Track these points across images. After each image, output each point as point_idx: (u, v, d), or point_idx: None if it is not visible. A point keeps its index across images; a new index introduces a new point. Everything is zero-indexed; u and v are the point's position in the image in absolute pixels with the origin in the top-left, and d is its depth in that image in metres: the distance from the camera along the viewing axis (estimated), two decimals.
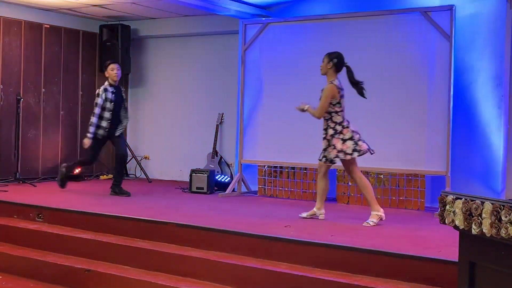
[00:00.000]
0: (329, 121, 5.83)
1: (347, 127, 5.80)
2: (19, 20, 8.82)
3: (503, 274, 2.62)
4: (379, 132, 7.09)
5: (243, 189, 8.07)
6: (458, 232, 2.86)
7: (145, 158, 9.97)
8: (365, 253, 4.49)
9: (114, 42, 9.51)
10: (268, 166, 7.93)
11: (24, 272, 5.56)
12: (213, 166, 8.64)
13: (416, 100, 6.94)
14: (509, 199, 2.73)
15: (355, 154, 5.75)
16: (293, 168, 7.75)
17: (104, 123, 7.25)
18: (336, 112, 5.82)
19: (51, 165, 9.22)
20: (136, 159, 9.62)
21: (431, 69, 6.89)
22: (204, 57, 9.47)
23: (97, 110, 7.25)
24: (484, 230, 2.61)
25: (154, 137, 10.03)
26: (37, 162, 9.08)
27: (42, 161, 9.15)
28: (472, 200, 2.70)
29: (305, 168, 7.64)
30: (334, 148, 5.78)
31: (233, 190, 7.90)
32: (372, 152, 5.85)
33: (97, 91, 7.39)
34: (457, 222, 2.77)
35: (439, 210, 2.93)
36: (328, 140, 5.82)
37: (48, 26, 9.17)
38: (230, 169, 8.98)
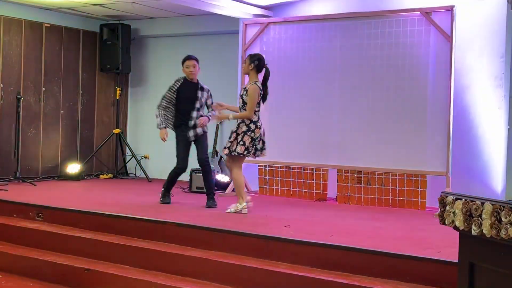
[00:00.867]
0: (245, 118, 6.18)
1: (260, 128, 6.21)
2: (19, 19, 8.82)
3: (503, 275, 2.61)
4: (379, 132, 7.10)
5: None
6: (458, 232, 2.85)
7: (145, 157, 9.97)
8: (364, 253, 4.49)
9: (115, 42, 9.51)
10: (269, 166, 7.93)
11: (24, 272, 5.55)
12: (213, 166, 8.64)
13: (417, 100, 6.94)
14: (509, 200, 2.72)
15: (258, 153, 6.25)
16: (293, 168, 7.75)
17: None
18: (254, 111, 6.16)
19: (51, 164, 9.23)
20: (136, 159, 9.62)
21: (431, 69, 6.89)
22: (204, 56, 9.38)
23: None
24: (484, 231, 2.60)
25: (154, 136, 9.99)
26: (37, 161, 9.08)
27: (42, 160, 9.15)
28: (472, 201, 2.69)
29: (306, 168, 7.64)
30: (243, 144, 6.12)
31: (233, 190, 7.89)
32: (259, 155, 6.32)
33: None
34: (457, 223, 2.77)
35: (439, 210, 2.93)
36: (238, 135, 6.15)
37: (49, 25, 9.17)
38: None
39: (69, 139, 9.51)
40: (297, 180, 7.75)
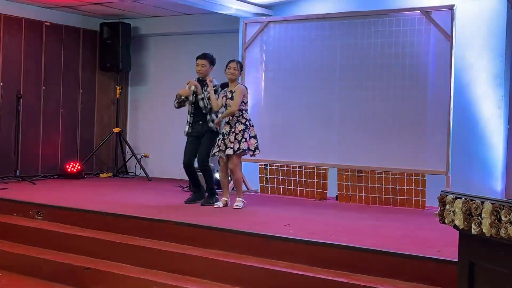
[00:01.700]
0: (239, 117, 6.44)
1: (252, 126, 6.53)
2: (20, 18, 8.82)
3: (503, 274, 2.61)
4: (379, 131, 7.09)
5: (243, 188, 8.05)
6: (457, 232, 2.85)
7: (145, 156, 9.97)
8: (364, 253, 4.49)
9: (115, 40, 9.51)
10: (270, 165, 7.93)
11: (24, 270, 5.56)
12: (212, 165, 8.63)
13: (417, 100, 6.94)
14: (509, 199, 2.72)
15: (257, 151, 6.49)
16: (294, 167, 7.75)
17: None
18: (246, 110, 6.51)
19: (51, 163, 9.23)
20: (136, 157, 9.62)
21: (431, 68, 6.88)
22: None
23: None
24: (483, 230, 2.60)
25: (154, 135, 10.03)
26: (37, 160, 9.08)
27: (42, 159, 9.15)
28: (472, 200, 2.69)
29: (306, 167, 7.64)
30: (246, 141, 6.38)
31: (233, 189, 7.89)
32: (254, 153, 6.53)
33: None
34: (456, 222, 2.77)
35: (438, 209, 2.93)
36: (237, 134, 6.37)
37: (49, 23, 9.17)
38: None
39: (69, 138, 9.51)
40: (297, 179, 7.75)
